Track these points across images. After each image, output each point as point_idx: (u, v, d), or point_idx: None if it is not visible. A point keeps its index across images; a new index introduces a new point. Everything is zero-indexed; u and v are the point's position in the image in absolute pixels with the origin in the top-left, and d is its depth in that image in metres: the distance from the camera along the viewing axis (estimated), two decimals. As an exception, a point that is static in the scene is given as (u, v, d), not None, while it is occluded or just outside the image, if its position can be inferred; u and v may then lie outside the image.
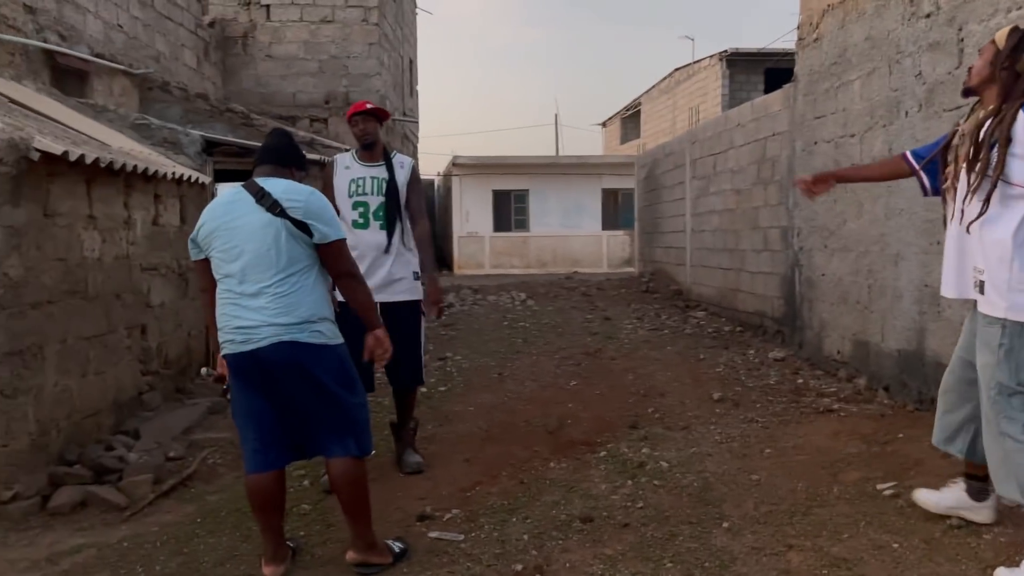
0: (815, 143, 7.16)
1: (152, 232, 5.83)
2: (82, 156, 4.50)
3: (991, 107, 2.99)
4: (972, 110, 3.14)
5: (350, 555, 3.36)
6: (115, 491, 4.34)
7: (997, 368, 2.96)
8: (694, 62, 27.55)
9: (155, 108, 8.76)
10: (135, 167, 5.21)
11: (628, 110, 35.74)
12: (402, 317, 4.48)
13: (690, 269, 11.48)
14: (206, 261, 3.24)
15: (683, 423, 5.45)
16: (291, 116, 12.19)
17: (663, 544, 3.54)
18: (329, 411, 3.21)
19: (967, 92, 3.15)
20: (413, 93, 16.12)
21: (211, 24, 11.77)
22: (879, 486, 4.02)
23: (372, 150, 4.50)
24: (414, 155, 15.64)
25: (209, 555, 3.61)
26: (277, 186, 3.17)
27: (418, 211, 4.61)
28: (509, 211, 24.02)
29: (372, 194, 4.44)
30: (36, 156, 4.20)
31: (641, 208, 14.84)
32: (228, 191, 3.31)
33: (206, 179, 6.67)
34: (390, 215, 4.46)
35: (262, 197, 3.12)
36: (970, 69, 3.10)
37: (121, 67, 8.45)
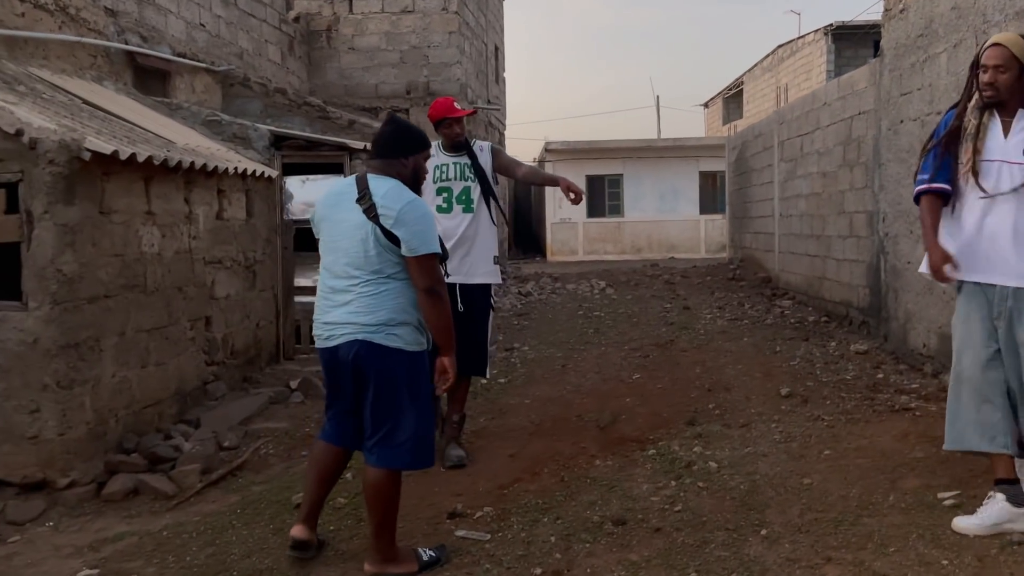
0: (901, 122, 6.70)
1: (216, 226, 5.98)
2: (133, 155, 4.63)
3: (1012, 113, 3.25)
4: (981, 113, 3.31)
5: (367, 567, 3.27)
6: (165, 480, 4.48)
7: None
8: (798, 38, 26.46)
9: (236, 104, 9.02)
10: (192, 163, 5.34)
11: (730, 90, 34.70)
12: (474, 300, 4.64)
13: (778, 255, 11.02)
14: None
15: (743, 420, 5.21)
16: (373, 107, 12.34)
17: (693, 552, 3.37)
18: (386, 415, 3.16)
19: (993, 105, 3.28)
20: (499, 80, 16.08)
21: (296, 19, 12.05)
22: (940, 495, 3.72)
23: (454, 145, 4.71)
24: (501, 143, 15.60)
25: (239, 547, 3.67)
26: (381, 187, 3.13)
27: (516, 162, 5.03)
28: (603, 196, 23.69)
29: (455, 179, 4.66)
30: (87, 156, 4.34)
31: (731, 192, 14.37)
32: (342, 181, 3.36)
33: (273, 173, 6.80)
34: (473, 198, 4.64)
35: (362, 197, 3.11)
36: (991, 84, 3.22)
37: (203, 65, 8.73)
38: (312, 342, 3.46)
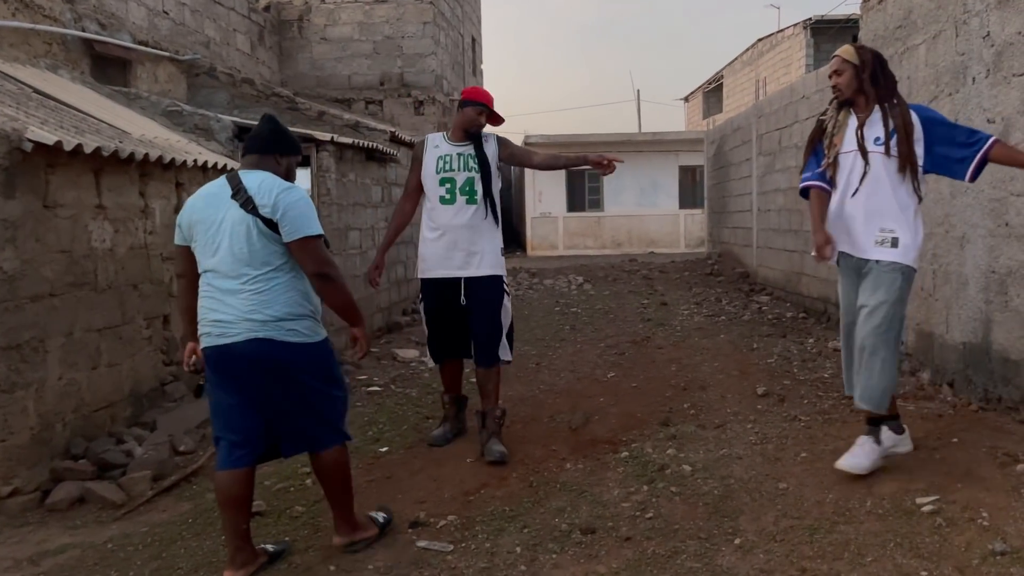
0: (879, 114, 6.57)
1: (174, 221, 5.74)
2: (79, 146, 4.41)
3: (873, 105, 3.84)
4: (837, 111, 3.94)
5: (336, 540, 3.39)
6: (114, 487, 4.26)
7: (892, 307, 3.74)
8: (777, 31, 26.40)
9: (202, 94, 8.77)
10: (147, 155, 5.11)
11: (710, 84, 34.63)
12: (483, 292, 4.53)
13: (756, 251, 10.91)
14: (187, 248, 3.20)
15: (719, 420, 5.06)
16: (346, 99, 12.10)
17: (663, 562, 3.22)
18: (312, 408, 3.21)
19: (845, 104, 3.90)
20: (476, 72, 15.85)
21: (266, 8, 11.76)
22: (918, 500, 3.57)
23: (467, 134, 4.57)
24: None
25: (186, 560, 3.48)
26: (254, 180, 3.10)
27: (528, 151, 4.94)
28: (583, 191, 23.55)
29: (459, 170, 4.51)
30: (29, 147, 4.12)
31: (710, 186, 14.25)
32: (214, 182, 3.27)
33: (236, 165, 6.56)
34: (477, 189, 4.50)
35: (237, 192, 3.07)
36: (835, 86, 3.88)
37: (166, 54, 8.46)
38: None
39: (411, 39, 12.10)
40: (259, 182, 3.08)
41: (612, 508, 3.79)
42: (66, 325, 4.57)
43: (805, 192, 4.09)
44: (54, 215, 4.49)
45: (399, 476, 4.40)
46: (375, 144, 7.94)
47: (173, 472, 4.52)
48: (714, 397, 5.61)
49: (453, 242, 4.49)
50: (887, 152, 3.77)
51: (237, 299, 3.05)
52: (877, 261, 3.80)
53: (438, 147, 4.58)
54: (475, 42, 15.48)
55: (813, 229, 3.98)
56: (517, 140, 31.04)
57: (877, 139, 3.79)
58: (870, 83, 3.81)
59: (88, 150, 4.50)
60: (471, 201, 4.50)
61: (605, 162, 4.61)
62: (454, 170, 4.50)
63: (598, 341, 7.68)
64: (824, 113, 4.02)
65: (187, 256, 3.20)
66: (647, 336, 7.78)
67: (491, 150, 4.60)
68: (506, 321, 4.64)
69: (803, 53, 23.43)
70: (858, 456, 3.87)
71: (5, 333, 4.10)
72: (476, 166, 4.51)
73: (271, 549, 3.40)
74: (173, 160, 5.47)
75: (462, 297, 4.49)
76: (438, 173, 4.51)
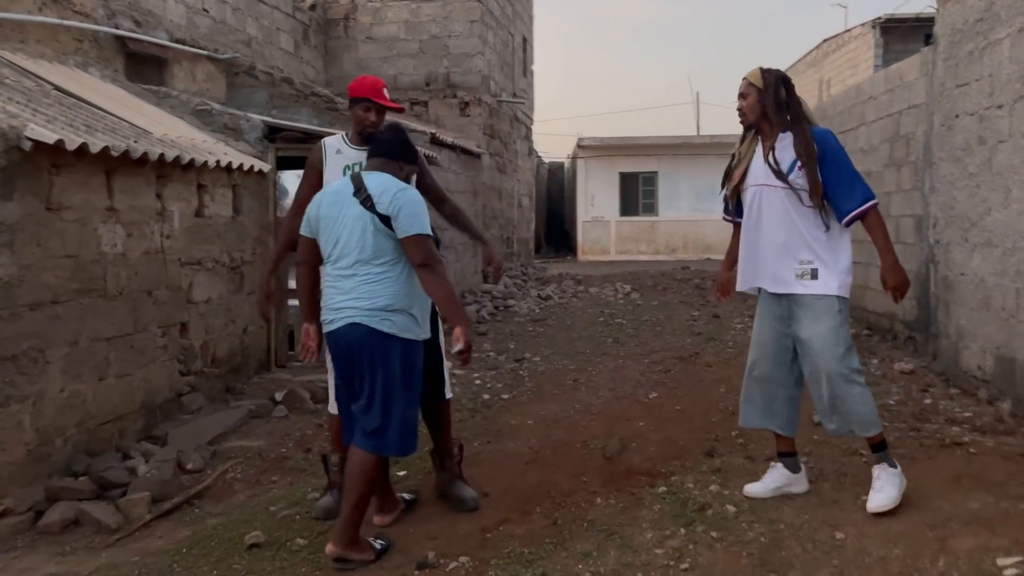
0: (956, 116, 6.01)
1: (195, 224, 5.51)
2: (84, 145, 4.16)
3: (779, 131, 3.66)
4: (742, 140, 3.80)
5: (329, 547, 3.34)
6: (111, 510, 3.99)
7: (838, 330, 3.63)
8: (844, 31, 25.45)
9: (242, 93, 8.58)
10: (162, 156, 4.86)
11: (773, 86, 33.63)
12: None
13: (817, 261, 10.29)
14: (311, 240, 3.46)
15: (770, 452, 4.56)
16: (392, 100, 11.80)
17: (697, 628, 2.79)
18: (376, 399, 3.29)
19: (748, 127, 3.75)
20: (527, 73, 15.48)
21: (312, 7, 11.56)
22: (1000, 561, 3.08)
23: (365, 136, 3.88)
24: (527, 138, 15.02)
25: (170, 601, 3.17)
26: (374, 181, 3.34)
27: (437, 189, 4.18)
28: (637, 194, 22.98)
29: None
30: (28, 146, 3.88)
31: (769, 192, 13.63)
32: (340, 180, 3.53)
33: (265, 167, 6.32)
34: None
35: (359, 191, 3.32)
36: (739, 110, 3.71)
37: (204, 52, 8.28)
38: None
39: (458, 38, 11.78)
40: (379, 182, 3.32)
41: (643, 555, 3.37)
42: (70, 334, 4.32)
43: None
44: (59, 218, 4.25)
45: (412, 509, 4.03)
46: (412, 146, 7.61)
47: (176, 493, 4.23)
48: (766, 424, 5.13)
49: None
50: (787, 183, 3.61)
51: (349, 288, 3.29)
52: (804, 294, 3.67)
53: (340, 153, 3.87)
54: (526, 42, 15.10)
55: (721, 264, 4.13)
56: (569, 144, 29.97)
57: (779, 171, 3.63)
58: (773, 108, 3.65)
59: (94, 149, 4.25)
60: None
61: (493, 264, 4.08)
62: None
63: (642, 356, 7.24)
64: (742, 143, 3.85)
65: (310, 246, 3.46)
66: (695, 352, 7.30)
67: None
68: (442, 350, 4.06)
69: (871, 53, 22.47)
70: (883, 489, 3.64)
71: (-1, 343, 3.86)
72: None
73: (407, 497, 3.89)
74: (192, 161, 5.21)
75: None
76: None
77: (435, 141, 8.77)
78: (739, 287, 3.95)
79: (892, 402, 5.49)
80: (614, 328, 8.75)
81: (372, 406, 3.31)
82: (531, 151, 16.37)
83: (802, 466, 3.95)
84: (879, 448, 3.73)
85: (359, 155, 3.86)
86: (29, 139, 3.89)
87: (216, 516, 4.04)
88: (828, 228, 3.66)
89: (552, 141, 35.71)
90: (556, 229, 26.86)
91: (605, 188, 22.50)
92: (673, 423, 5.23)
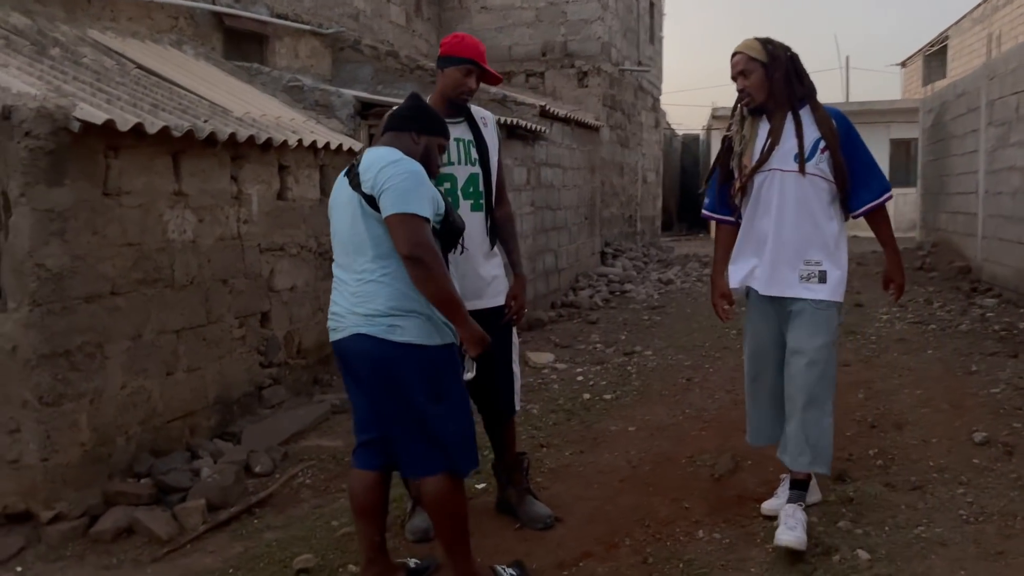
0: None
1: (276, 208, 5.20)
2: (140, 125, 3.87)
3: (788, 110, 3.20)
4: (742, 118, 3.30)
5: None
6: (166, 518, 3.71)
7: (831, 348, 3.23)
8: (1017, -18, 22.87)
9: (346, 69, 8.30)
10: (233, 135, 4.54)
11: (932, 46, 30.91)
12: (495, 327, 3.38)
13: (981, 241, 9.08)
14: None
15: (916, 479, 3.83)
16: (506, 71, 11.28)
17: None
18: (408, 421, 2.75)
19: (757, 111, 3.24)
20: (654, 40, 14.57)
21: (426, -22, 11.19)
22: None
23: (453, 105, 3.34)
24: (653, 108, 14.17)
25: (198, 635, 2.82)
26: (367, 156, 2.78)
27: (503, 186, 3.53)
28: (775, 167, 21.55)
29: (460, 162, 3.32)
30: (77, 126, 3.61)
31: (925, 163, 12.28)
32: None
33: (356, 145, 5.94)
34: (482, 190, 3.37)
35: (350, 169, 2.81)
36: (742, 91, 3.21)
37: (307, 27, 8.03)
38: None
39: (576, 4, 11.08)
40: (370, 157, 2.75)
41: (749, 614, 2.76)
42: (132, 327, 4.08)
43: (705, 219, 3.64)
44: (118, 204, 3.99)
45: (487, 528, 3.54)
46: (515, 120, 7.10)
47: (237, 500, 3.93)
48: (912, 441, 4.34)
49: (456, 263, 3.24)
50: (805, 169, 3.16)
51: (347, 289, 2.77)
52: (806, 300, 3.23)
53: None
54: (653, 6, 14.19)
55: (712, 280, 3.57)
56: (704, 114, 28.66)
57: (796, 154, 3.16)
58: (784, 85, 3.19)
59: (152, 129, 3.96)
60: (477, 207, 3.35)
61: (518, 317, 3.47)
62: (453, 163, 3.30)
63: (769, 351, 6.45)
64: (729, 128, 3.37)
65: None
66: (832, 347, 6.44)
67: (492, 137, 3.42)
68: (516, 357, 3.59)
69: (1051, 4, 20.02)
70: (796, 528, 3.11)
71: (49, 338, 3.63)
72: (478, 156, 3.34)
73: (413, 565, 3.08)
74: (270, 140, 4.88)
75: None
76: None
77: (544, 114, 8.20)
78: (731, 284, 3.50)
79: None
80: (741, 317, 7.94)
81: (410, 428, 2.75)
82: (658, 123, 15.49)
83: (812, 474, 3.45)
84: (799, 485, 3.33)
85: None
86: (78, 120, 3.61)
87: (274, 529, 3.70)
88: (843, 222, 3.29)
89: (680, 112, 34.24)
90: (690, 206, 25.78)
91: (742, 161, 21.21)
92: (799, 436, 4.50)
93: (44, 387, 3.62)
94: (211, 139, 4.44)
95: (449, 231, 2.81)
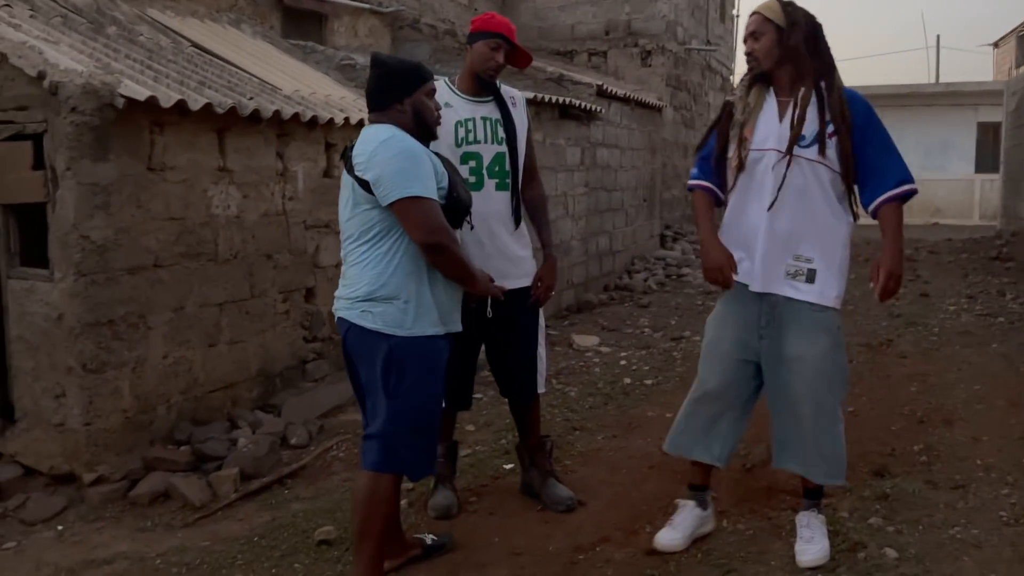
0: None
1: (322, 185, 5.26)
2: (183, 102, 3.96)
3: (801, 85, 2.88)
4: (749, 85, 2.98)
5: None
6: (200, 485, 3.83)
7: (835, 352, 2.95)
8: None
9: (405, 47, 8.33)
10: (277, 112, 4.61)
11: (1028, 26, 29.39)
12: (521, 307, 3.40)
13: (1062, 231, 8.63)
14: None
15: (960, 478, 3.68)
16: (568, 51, 11.18)
17: None
18: (377, 409, 2.71)
19: (759, 77, 2.95)
20: (726, 18, 14.21)
21: (489, -45, 11.12)
22: None
23: (481, 83, 3.34)
24: (722, 89, 13.83)
25: (214, 601, 2.90)
26: (362, 135, 2.69)
27: (534, 166, 3.50)
28: (853, 151, 20.83)
29: (486, 141, 3.31)
30: (121, 103, 3.71)
31: (1008, 148, 11.72)
32: None
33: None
34: (508, 169, 3.35)
35: (344, 152, 2.74)
36: (749, 53, 2.92)
37: (366, 6, 8.08)
38: None
39: (641, -20, 10.89)
40: (363, 138, 2.65)
41: (764, 608, 2.70)
42: (175, 299, 4.19)
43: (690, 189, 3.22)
44: (162, 179, 4.10)
45: (509, 508, 3.56)
46: (568, 100, 7.01)
47: (270, 471, 4.02)
48: (962, 439, 4.17)
49: (481, 243, 3.26)
50: (821, 153, 2.83)
51: (344, 273, 2.76)
52: (788, 299, 2.92)
53: (451, 107, 3.25)
54: (725, -16, 13.86)
55: (704, 244, 3.02)
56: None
57: (802, 137, 2.84)
58: (800, 53, 2.86)
59: (195, 106, 4.05)
60: (503, 186, 3.31)
61: (546, 296, 3.45)
62: (479, 141, 3.28)
63: (822, 340, 6.27)
64: (732, 92, 3.09)
65: None
66: (889, 339, 6.23)
67: (521, 117, 3.38)
68: (542, 341, 3.54)
69: None
70: (815, 540, 3.00)
71: (93, 308, 3.77)
72: (505, 135, 3.30)
73: (429, 541, 3.09)
74: (315, 118, 4.94)
75: (488, 310, 3.27)
76: (459, 146, 3.26)
77: (602, 93, 8.09)
78: (756, 287, 3.06)
79: None
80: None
81: (376, 413, 2.71)
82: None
83: (710, 501, 3.26)
84: (814, 495, 3.11)
85: (472, 109, 3.33)
86: (123, 96, 3.71)
87: (302, 500, 3.78)
88: (852, 219, 2.95)
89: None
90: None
91: (818, 143, 20.57)
92: (841, 429, 4.36)
93: (88, 354, 3.76)
94: (256, 116, 4.51)
95: (454, 207, 2.70)
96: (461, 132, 3.29)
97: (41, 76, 3.63)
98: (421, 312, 2.65)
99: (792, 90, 2.90)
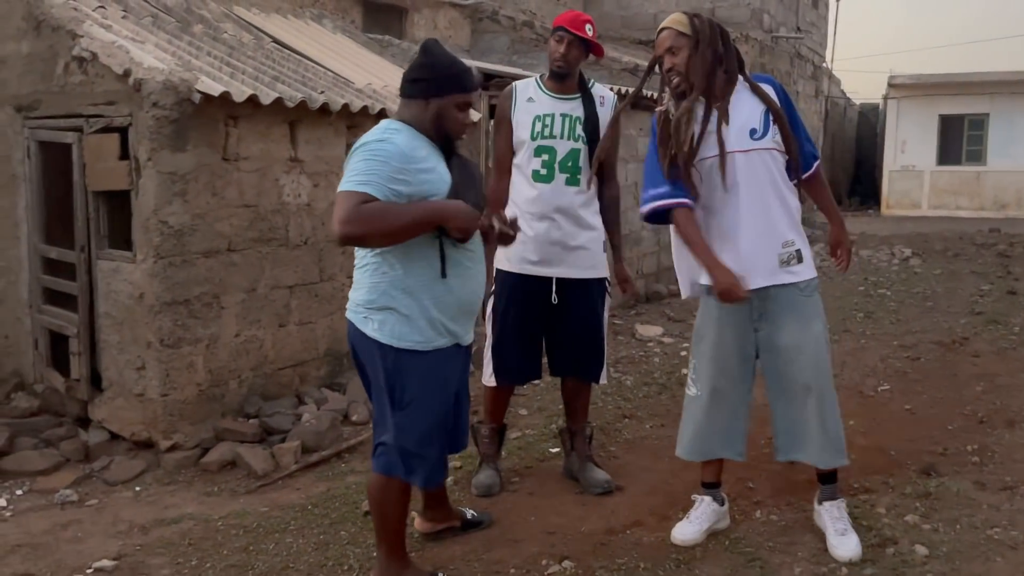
0: None
1: (391, 174, 5.48)
2: (254, 96, 4.22)
3: (729, 85, 2.93)
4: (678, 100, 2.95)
5: None
6: (264, 455, 4.10)
7: (825, 332, 3.06)
8: None
9: (484, 39, 8.49)
10: (346, 106, 4.83)
11: None
12: (582, 297, 3.57)
13: None
14: None
15: (1011, 479, 3.61)
16: (651, 40, 11.04)
17: None
18: (375, 413, 2.78)
19: (681, 94, 2.91)
20: (817, 5, 13.79)
21: (573, -54, 11.13)
22: None
23: (565, 81, 3.48)
24: (813, 77, 13.44)
25: (265, 560, 3.14)
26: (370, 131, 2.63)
27: (613, 168, 3.68)
28: (960, 140, 19.90)
29: (562, 137, 3.46)
30: (198, 98, 4.00)
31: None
32: None
33: (475, 116, 6.13)
34: (582, 165, 3.49)
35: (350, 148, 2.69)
36: (670, 69, 2.91)
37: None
38: None
39: (726, -31, 10.72)
40: (366, 135, 2.58)
41: (778, 596, 2.75)
42: (247, 281, 4.48)
43: (654, 216, 3.05)
44: (236, 168, 4.38)
45: (549, 489, 3.69)
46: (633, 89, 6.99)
47: (329, 445, 4.27)
48: (1021, 441, 4.06)
49: (547, 232, 3.45)
50: (773, 145, 2.93)
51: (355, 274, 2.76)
52: (788, 285, 2.97)
53: (533, 101, 3.45)
54: (818, -30, 13.45)
55: (707, 262, 2.94)
56: (881, 81, 26.77)
57: (753, 130, 2.92)
58: (719, 56, 2.90)
59: (265, 100, 4.30)
60: (573, 181, 3.45)
61: (623, 288, 3.67)
62: (555, 136, 3.43)
63: (892, 337, 6.13)
64: (660, 101, 3.00)
65: None
66: (964, 337, 6.04)
67: (606, 115, 3.46)
68: (605, 332, 3.67)
69: None
70: (848, 532, 3.05)
71: (170, 288, 4.08)
72: (584, 134, 3.42)
73: (470, 516, 3.26)
74: (383, 111, 5.15)
75: (553, 296, 3.48)
76: (534, 139, 3.43)
77: (678, 84, 8.03)
78: (687, 292, 3.21)
79: None
80: (872, 300, 7.56)
81: (378, 420, 2.75)
82: (818, 91, 14.70)
83: (725, 498, 3.30)
84: (832, 479, 3.14)
85: (554, 105, 3.47)
86: (199, 91, 3.99)
87: (356, 474, 4.00)
88: (802, 198, 3.09)
89: (854, 79, 32.10)
90: (864, 179, 24.42)
91: (920, 133, 19.74)
92: (894, 426, 4.32)
93: (165, 331, 4.08)
94: (325, 109, 4.74)
95: None
96: (538, 127, 3.46)
97: (127, 73, 3.94)
98: (422, 324, 2.57)
99: (724, 92, 2.92)
